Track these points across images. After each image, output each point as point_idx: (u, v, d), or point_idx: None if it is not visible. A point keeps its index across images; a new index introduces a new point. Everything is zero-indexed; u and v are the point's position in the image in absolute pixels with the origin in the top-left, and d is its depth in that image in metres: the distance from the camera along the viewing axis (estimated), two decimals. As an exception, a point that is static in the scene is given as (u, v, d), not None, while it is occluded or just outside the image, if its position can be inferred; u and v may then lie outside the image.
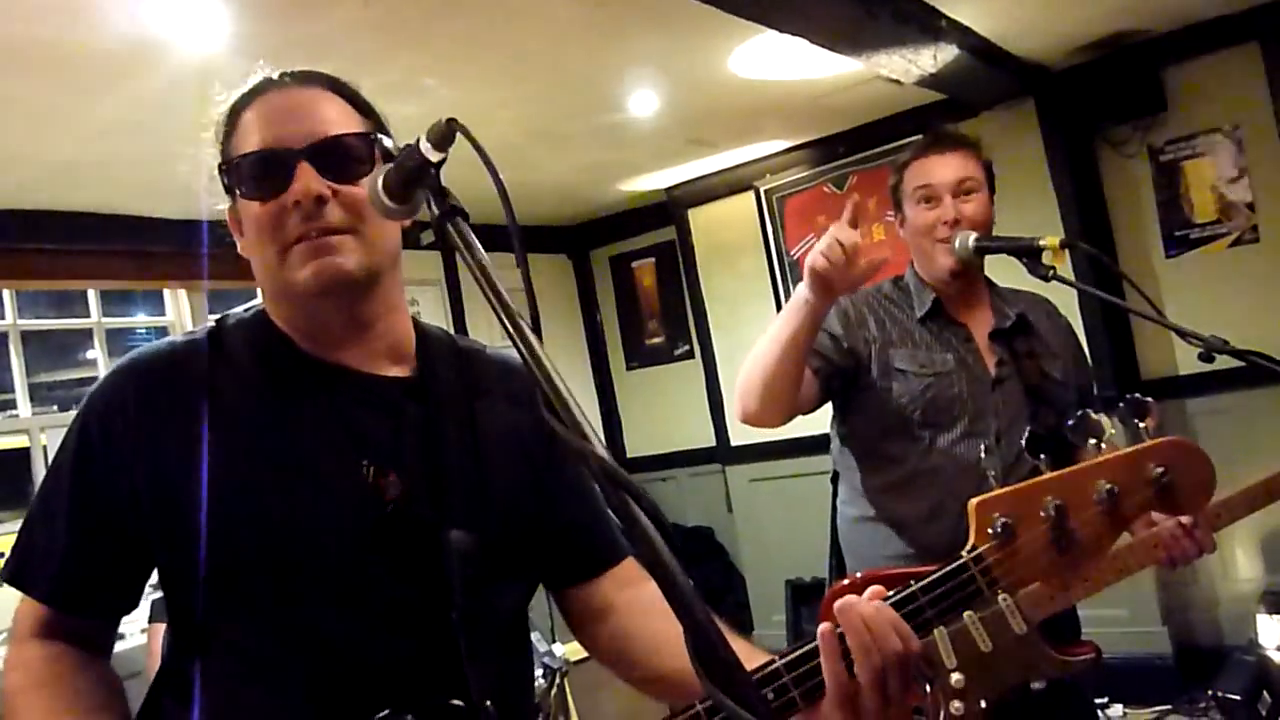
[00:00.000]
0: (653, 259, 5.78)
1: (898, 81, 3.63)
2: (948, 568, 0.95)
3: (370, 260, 1.02)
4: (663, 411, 5.77)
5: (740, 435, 5.20)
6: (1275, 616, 3.68)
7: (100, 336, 4.23)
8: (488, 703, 0.97)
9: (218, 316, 1.12)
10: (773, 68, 3.57)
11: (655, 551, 0.67)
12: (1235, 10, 3.81)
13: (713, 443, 5.32)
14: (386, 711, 0.94)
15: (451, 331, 1.19)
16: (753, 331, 5.12)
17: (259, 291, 1.11)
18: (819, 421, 2.08)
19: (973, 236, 1.88)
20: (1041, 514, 0.94)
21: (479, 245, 0.86)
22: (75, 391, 6.56)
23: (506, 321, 0.80)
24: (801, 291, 1.74)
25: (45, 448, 3.81)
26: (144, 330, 4.70)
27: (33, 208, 3.63)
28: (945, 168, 1.93)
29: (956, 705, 1.62)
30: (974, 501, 0.96)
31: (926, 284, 2.00)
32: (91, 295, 4.17)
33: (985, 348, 1.96)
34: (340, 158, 1.01)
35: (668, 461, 5.75)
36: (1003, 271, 2.01)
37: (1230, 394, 3.87)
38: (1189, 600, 4.16)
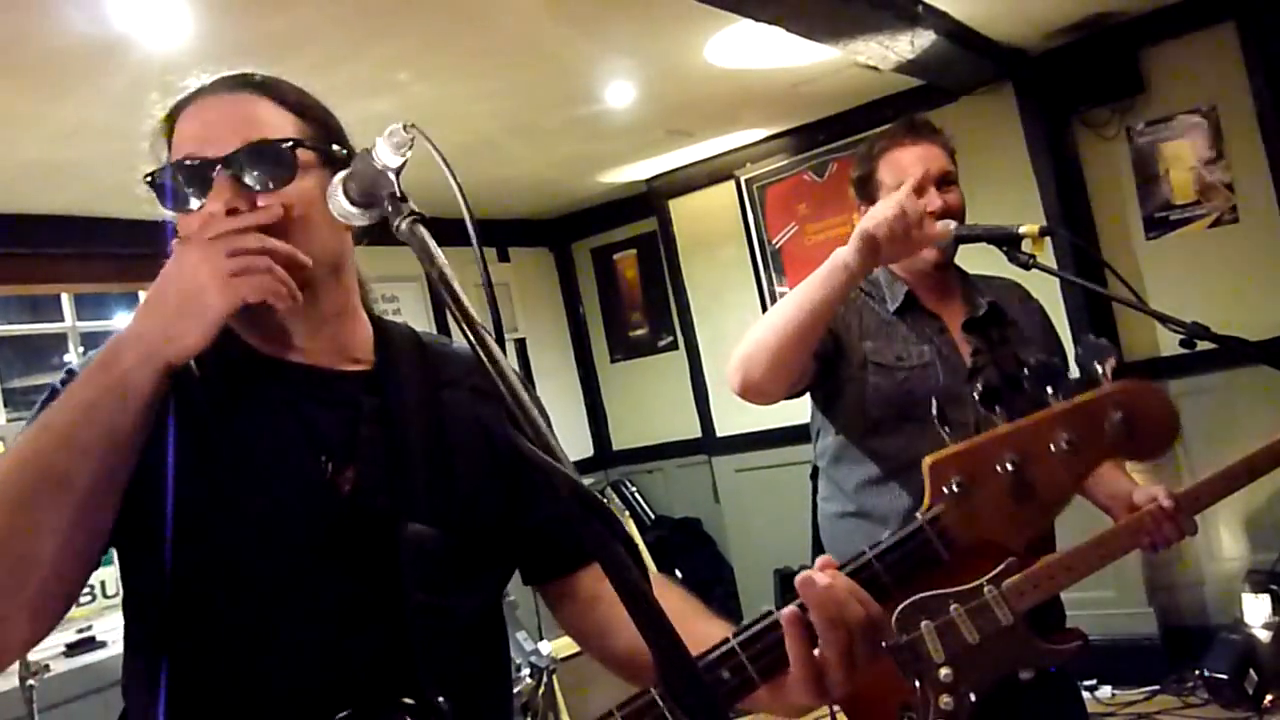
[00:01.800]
0: (634, 250, 5.76)
1: (875, 68, 3.62)
2: (902, 533, 0.93)
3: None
4: (648, 403, 5.75)
5: (726, 426, 5.20)
6: (1260, 595, 3.71)
7: (75, 340, 4.18)
8: (439, 699, 0.95)
9: None
10: (749, 56, 3.54)
11: (626, 580, 0.65)
12: (1211, -10, 3.81)
13: (698, 434, 5.31)
14: (346, 713, 0.93)
15: (433, 328, 1.17)
16: (736, 321, 5.16)
17: None
18: (803, 411, 2.06)
19: (953, 225, 1.86)
20: (998, 469, 0.91)
21: (438, 251, 0.85)
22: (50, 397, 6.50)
23: (467, 329, 0.79)
24: (843, 256, 1.69)
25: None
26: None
27: (2, 211, 3.57)
28: (928, 158, 1.90)
29: (946, 700, 1.62)
30: (927, 461, 0.94)
31: (897, 276, 1.97)
32: (65, 299, 4.12)
33: (960, 338, 1.94)
34: (264, 164, 0.98)
35: (654, 453, 5.74)
36: (976, 258, 1.99)
37: (1211, 375, 3.89)
38: (1174, 580, 4.18)
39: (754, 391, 1.82)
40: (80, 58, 2.52)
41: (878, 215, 1.67)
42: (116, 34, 2.43)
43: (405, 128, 0.89)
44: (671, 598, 1.05)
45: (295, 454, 1.00)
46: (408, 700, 0.96)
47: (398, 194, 0.88)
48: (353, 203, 0.93)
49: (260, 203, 0.90)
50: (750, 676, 0.85)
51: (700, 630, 0.89)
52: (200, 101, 1.03)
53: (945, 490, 0.92)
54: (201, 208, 0.99)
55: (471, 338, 0.78)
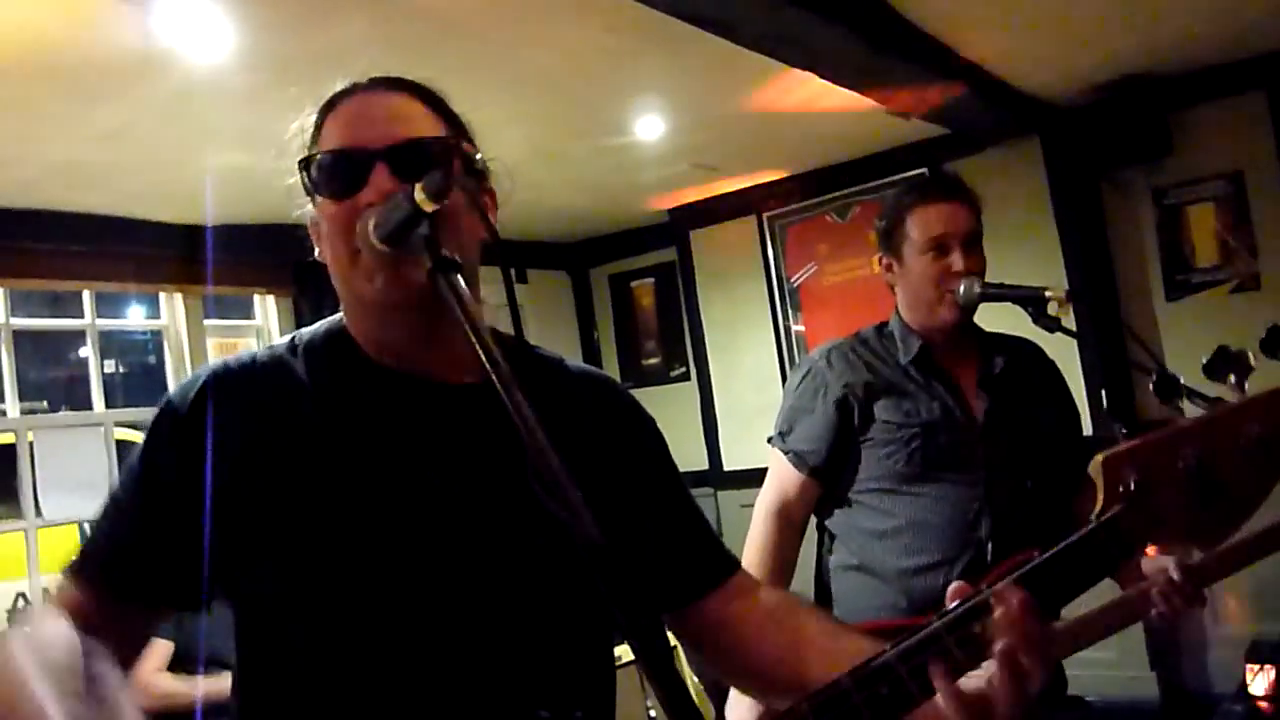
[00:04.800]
0: (653, 279, 5.77)
1: (905, 115, 3.63)
2: (1074, 537, 0.83)
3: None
4: None
5: (733, 460, 5.18)
6: (1266, 667, 3.66)
7: (93, 337, 4.21)
8: (577, 713, 0.96)
9: (296, 331, 1.11)
10: (781, 99, 3.56)
11: (642, 637, 0.65)
12: (1244, 57, 3.82)
13: (705, 466, 5.29)
14: None
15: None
16: (750, 356, 5.16)
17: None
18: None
19: (977, 283, 1.85)
20: (1180, 465, 0.82)
21: (471, 299, 0.85)
22: (64, 389, 6.55)
23: (498, 381, 0.79)
24: None
25: (31, 444, 3.78)
26: (139, 332, 4.68)
27: (31, 207, 3.61)
28: (958, 217, 1.89)
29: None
30: (1099, 458, 0.84)
31: (913, 331, 1.96)
32: (86, 296, 4.15)
33: (972, 395, 1.92)
34: (418, 161, 0.98)
35: (660, 483, 5.71)
36: (993, 316, 1.97)
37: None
38: (1177, 646, 4.14)
39: None
40: (122, 66, 2.55)
41: None
42: (161, 46, 2.46)
43: (442, 176, 0.89)
44: (813, 617, 1.06)
45: (409, 470, 1.00)
46: (544, 713, 0.96)
47: (432, 239, 0.88)
48: (384, 240, 0.92)
49: (417, 196, 0.88)
50: (910, 692, 0.80)
51: (851, 646, 0.86)
52: (356, 97, 1.05)
53: (1121, 490, 0.83)
54: (355, 198, 0.99)
55: (502, 389, 0.79)
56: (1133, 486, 0.82)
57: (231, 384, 1.04)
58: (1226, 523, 0.83)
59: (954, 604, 0.83)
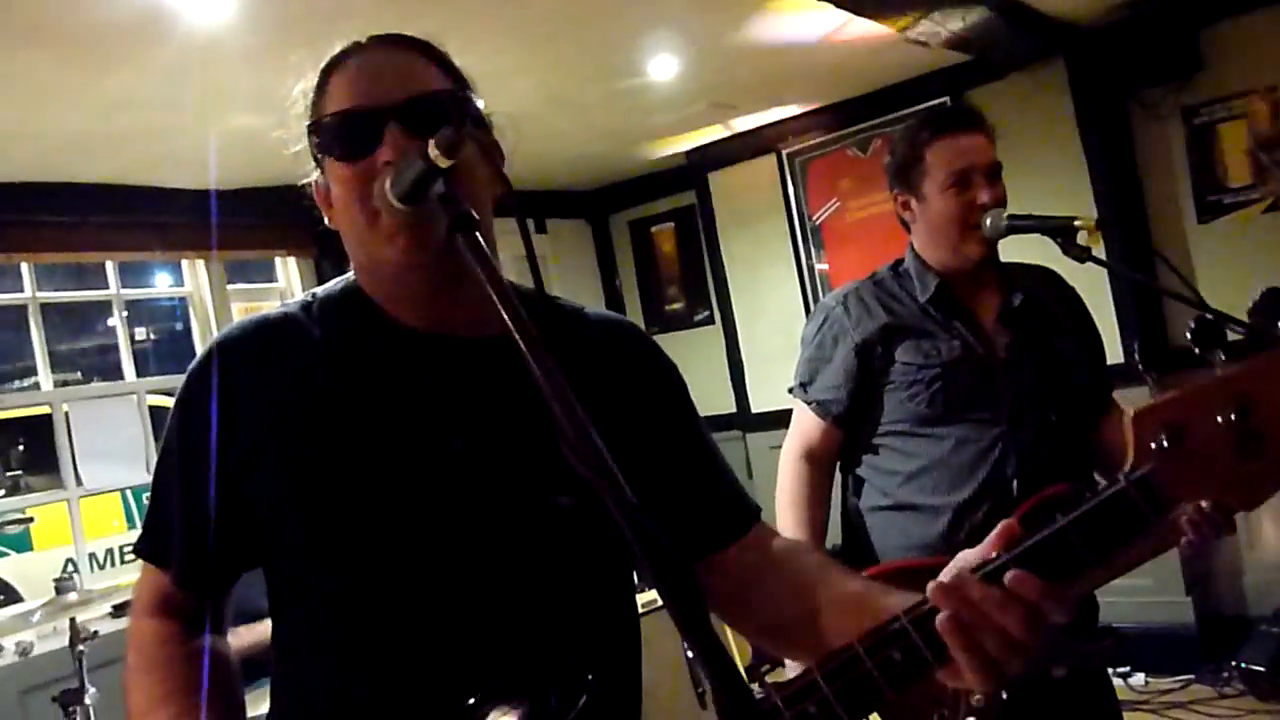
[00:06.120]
0: (672, 223, 5.72)
1: (925, 43, 3.54)
2: (1101, 495, 0.80)
3: None
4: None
5: (761, 402, 5.18)
6: (1302, 588, 3.65)
7: (119, 306, 4.24)
8: (588, 676, 0.95)
9: (311, 290, 1.12)
10: (795, 32, 3.47)
11: (680, 597, 0.64)
12: (1275, -34, 3.68)
13: (733, 409, 5.29)
14: (500, 685, 0.93)
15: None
16: (774, 297, 5.12)
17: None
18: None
19: (1005, 215, 1.81)
20: (1219, 418, 0.77)
21: (489, 256, 0.84)
22: (95, 359, 6.63)
23: (520, 338, 0.78)
24: None
25: (67, 414, 3.84)
26: (166, 299, 4.71)
27: (46, 179, 3.61)
28: (980, 149, 1.85)
29: (978, 696, 1.61)
30: (1129, 412, 0.80)
31: (929, 268, 1.92)
32: (109, 266, 4.17)
33: (993, 330, 1.90)
34: (431, 116, 0.96)
35: (688, 428, 5.72)
36: (1013, 246, 1.89)
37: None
38: (1213, 570, 4.13)
39: None
40: (124, 31, 2.52)
41: None
42: (163, 7, 2.43)
43: (456, 130, 0.87)
44: (853, 582, 1.04)
45: (430, 425, 1.00)
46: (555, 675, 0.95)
47: (450, 195, 0.87)
48: (401, 199, 0.91)
49: (431, 153, 0.87)
50: (924, 658, 0.79)
51: (892, 604, 0.85)
52: (360, 56, 1.03)
53: (1153, 446, 0.79)
54: (371, 159, 0.97)
55: (525, 345, 0.78)
56: (1165, 443, 0.78)
57: (242, 349, 1.05)
58: (1268, 477, 0.79)
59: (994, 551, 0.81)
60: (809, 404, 1.99)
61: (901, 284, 1.95)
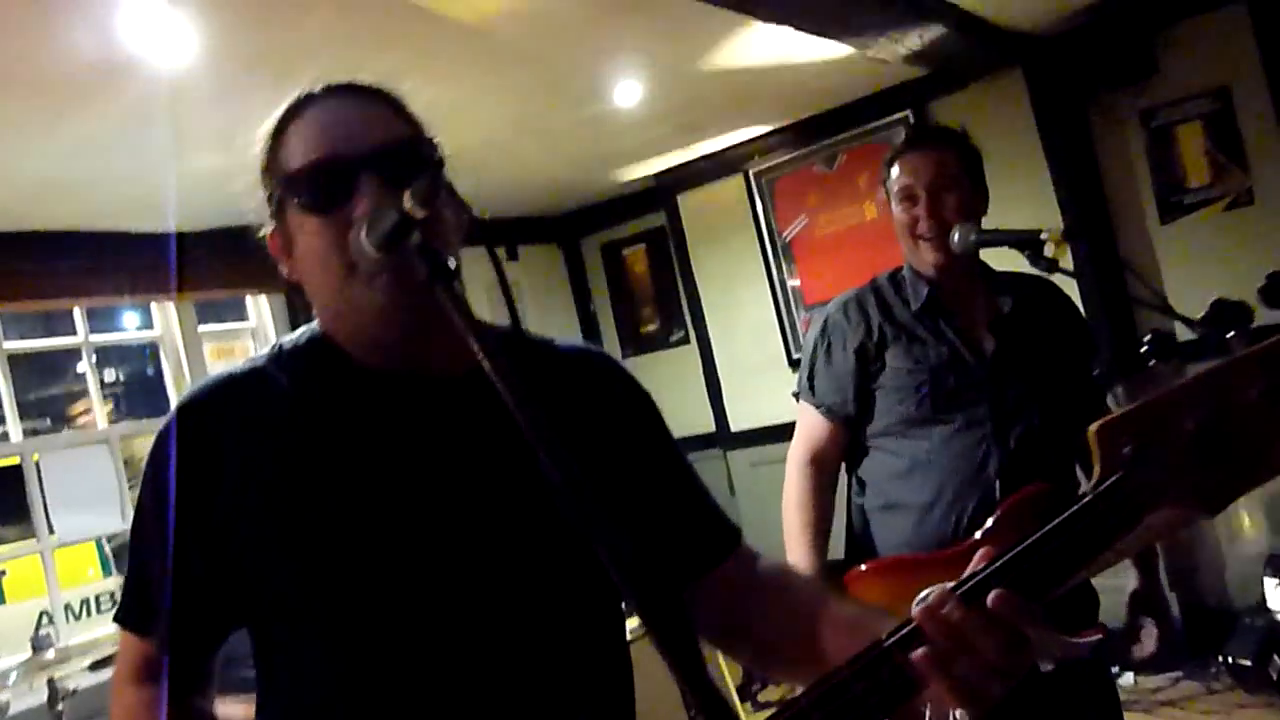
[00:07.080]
0: (644, 245, 5.73)
1: (884, 60, 3.58)
2: (1072, 510, 0.80)
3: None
4: (660, 398, 5.48)
5: (740, 419, 5.18)
6: (1282, 580, 3.68)
7: (88, 353, 4.19)
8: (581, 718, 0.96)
9: (277, 342, 1.09)
10: (756, 53, 3.51)
11: (669, 636, 0.64)
12: (1222, -32, 3.76)
13: (712, 428, 5.29)
14: None
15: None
16: (748, 315, 5.13)
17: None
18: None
19: (973, 231, 1.87)
20: (1180, 427, 0.78)
21: (468, 306, 0.84)
22: (64, 406, 6.54)
23: (506, 390, 0.78)
24: None
25: (37, 463, 3.78)
26: (134, 345, 4.65)
27: (10, 229, 3.57)
28: (923, 167, 1.95)
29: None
30: (1093, 428, 0.81)
31: (921, 275, 2.01)
32: (77, 312, 4.12)
33: (983, 337, 1.97)
34: (402, 164, 0.95)
35: (668, 448, 5.71)
36: (1007, 255, 1.97)
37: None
38: (1195, 564, 4.16)
39: None
40: (88, 77, 2.51)
41: None
42: (125, 54, 2.42)
43: (429, 182, 0.87)
44: (847, 607, 1.04)
45: (408, 469, 0.99)
46: None
47: (428, 248, 0.86)
48: (377, 248, 0.90)
49: (406, 204, 0.86)
50: (910, 679, 0.79)
51: (849, 619, 0.86)
52: (318, 105, 1.00)
53: (1118, 458, 0.80)
54: (345, 210, 0.95)
55: (504, 391, 0.79)
56: (1129, 453, 0.79)
57: (206, 411, 1.03)
58: (1235, 481, 0.80)
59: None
60: (817, 407, 2.05)
61: (898, 291, 2.03)
